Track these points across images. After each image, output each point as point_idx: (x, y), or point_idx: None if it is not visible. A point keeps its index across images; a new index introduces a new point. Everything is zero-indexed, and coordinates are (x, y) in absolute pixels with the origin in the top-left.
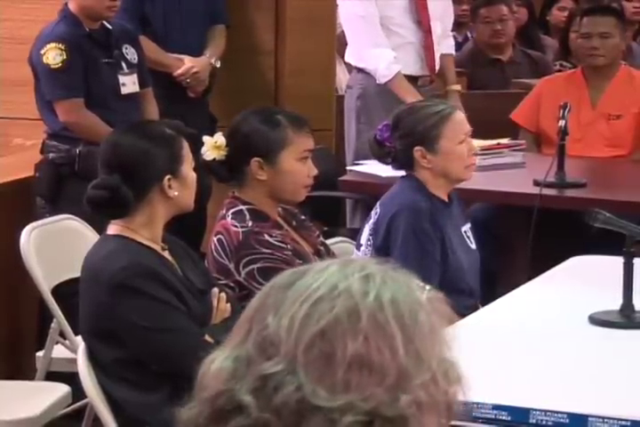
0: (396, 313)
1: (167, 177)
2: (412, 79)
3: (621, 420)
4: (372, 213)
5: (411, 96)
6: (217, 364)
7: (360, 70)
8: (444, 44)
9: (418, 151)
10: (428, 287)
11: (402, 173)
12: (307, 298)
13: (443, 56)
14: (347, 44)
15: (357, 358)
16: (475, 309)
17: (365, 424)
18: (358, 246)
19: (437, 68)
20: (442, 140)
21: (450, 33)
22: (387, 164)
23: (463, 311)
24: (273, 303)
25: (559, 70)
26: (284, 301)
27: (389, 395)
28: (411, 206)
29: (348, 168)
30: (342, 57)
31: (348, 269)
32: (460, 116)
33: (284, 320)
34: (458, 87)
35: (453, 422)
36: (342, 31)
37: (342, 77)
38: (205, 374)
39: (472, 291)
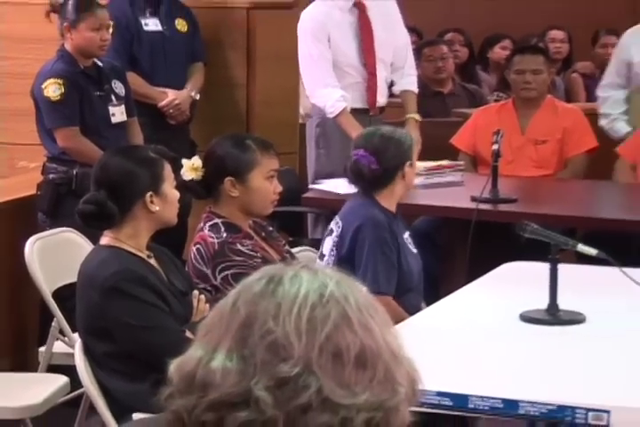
0: (371, 315)
1: (149, 194)
2: (364, 111)
3: (548, 404)
4: (333, 225)
5: (354, 130)
6: (218, 363)
7: None
8: (404, 82)
9: (408, 168)
10: (365, 289)
11: (354, 189)
12: (302, 305)
13: (402, 92)
14: None
15: (358, 357)
16: (420, 307)
17: (369, 420)
18: (321, 257)
19: (380, 104)
20: (412, 160)
21: (410, 72)
22: (355, 184)
23: (411, 310)
24: (267, 310)
25: (496, 100)
26: (280, 306)
27: (387, 388)
28: (372, 219)
29: (309, 186)
30: None
31: (320, 276)
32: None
33: (288, 326)
34: (416, 116)
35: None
36: None
37: (308, 105)
38: (199, 372)
39: (418, 290)
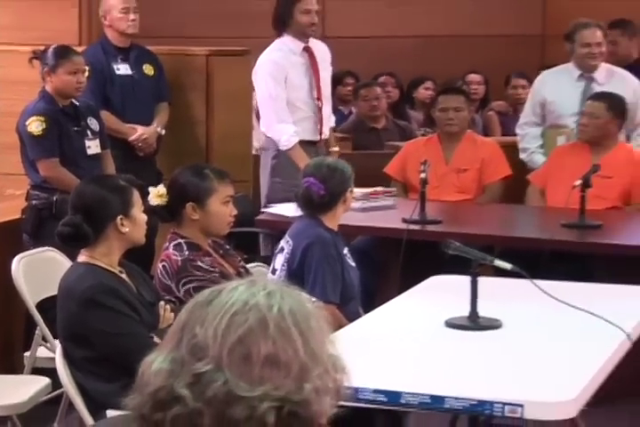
0: (295, 321)
1: (120, 217)
2: (312, 143)
3: (470, 399)
4: (284, 243)
5: (302, 162)
6: (156, 365)
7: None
8: (330, 121)
9: (349, 193)
10: (313, 299)
11: (300, 212)
12: (225, 312)
13: (330, 129)
14: None
15: (269, 358)
16: (359, 314)
17: (278, 409)
18: (273, 271)
19: (326, 133)
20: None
21: (331, 113)
22: (305, 209)
23: (352, 316)
24: (198, 317)
25: (423, 134)
26: (207, 315)
27: (296, 384)
28: (320, 238)
29: (261, 210)
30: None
31: (254, 288)
32: None
33: (209, 330)
34: (336, 149)
35: (343, 403)
36: None
37: (262, 137)
38: (146, 373)
39: (357, 299)
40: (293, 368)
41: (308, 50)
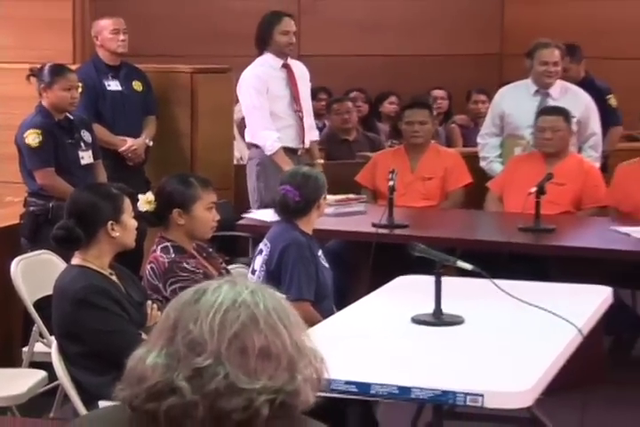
0: (279, 317)
1: (110, 222)
2: (293, 150)
3: (434, 390)
4: (262, 246)
5: (286, 166)
6: (151, 360)
7: (257, 146)
8: (313, 134)
9: (322, 200)
10: (285, 297)
11: (277, 217)
12: (217, 310)
13: (311, 142)
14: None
15: (262, 350)
16: (332, 311)
17: (272, 401)
18: (253, 272)
19: (307, 142)
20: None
21: (314, 126)
22: (281, 214)
23: (325, 314)
24: (190, 315)
25: (390, 146)
26: (199, 313)
27: (289, 375)
28: (295, 241)
29: (242, 215)
30: (243, 137)
31: (238, 287)
32: None
33: (204, 327)
34: (321, 161)
35: (318, 394)
36: (242, 118)
37: (243, 148)
38: (139, 367)
39: (330, 297)
40: (283, 360)
41: (286, 66)
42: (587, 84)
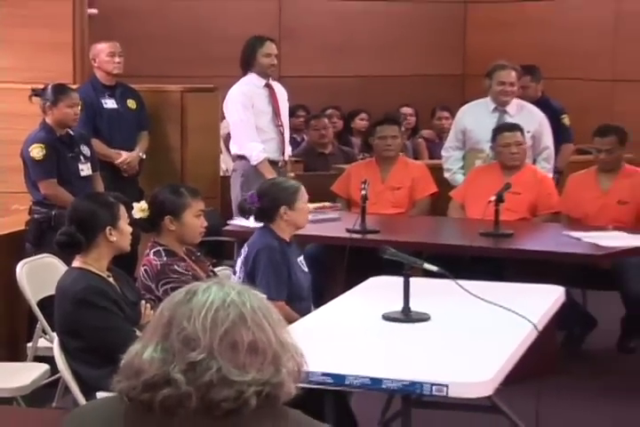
0: (264, 315)
1: (108, 228)
2: (275, 163)
3: (403, 380)
4: (242, 250)
5: (270, 175)
6: (147, 354)
7: (241, 158)
8: (288, 149)
9: (283, 209)
10: (265, 297)
11: (260, 225)
12: (208, 309)
13: (289, 156)
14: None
15: (250, 346)
16: (310, 311)
17: (259, 392)
18: (234, 273)
19: (286, 157)
20: (297, 202)
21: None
22: (246, 218)
23: (303, 312)
24: (183, 314)
25: (362, 158)
26: (192, 311)
27: (274, 368)
28: (268, 246)
29: (227, 222)
30: (229, 151)
31: (225, 288)
32: (303, 188)
33: (197, 324)
34: (292, 174)
35: (298, 384)
36: (227, 134)
37: (228, 161)
38: (136, 361)
39: (307, 298)
40: (269, 355)
41: (269, 86)
42: (543, 104)
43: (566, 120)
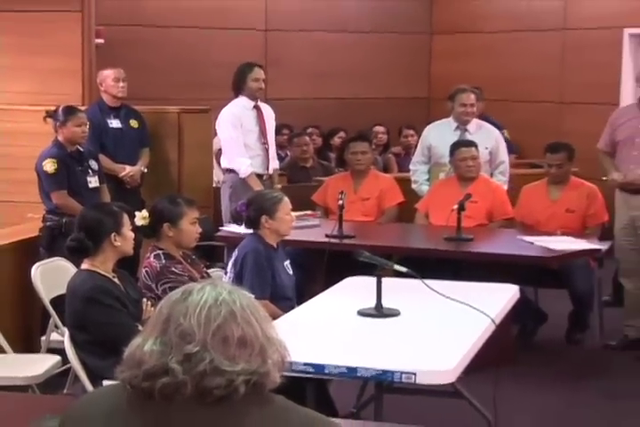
0: (252, 312)
1: (113, 234)
2: (260, 176)
3: (376, 369)
4: (233, 253)
5: (257, 187)
6: (148, 347)
7: (230, 171)
8: (275, 163)
9: (264, 218)
10: (252, 296)
11: (250, 231)
12: (202, 307)
13: (274, 169)
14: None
15: (240, 340)
16: (292, 308)
17: (248, 381)
18: (226, 273)
19: (271, 170)
20: (278, 212)
21: (276, 157)
22: (239, 225)
23: (287, 310)
24: (180, 311)
25: (338, 172)
26: (188, 309)
27: (261, 359)
28: (254, 250)
29: (220, 228)
30: (219, 164)
31: (218, 288)
32: (287, 199)
33: (192, 320)
34: (279, 186)
35: (282, 373)
36: (219, 150)
37: (219, 173)
38: (137, 353)
39: (291, 298)
40: (256, 347)
41: (257, 107)
42: (484, 120)
43: (507, 134)
